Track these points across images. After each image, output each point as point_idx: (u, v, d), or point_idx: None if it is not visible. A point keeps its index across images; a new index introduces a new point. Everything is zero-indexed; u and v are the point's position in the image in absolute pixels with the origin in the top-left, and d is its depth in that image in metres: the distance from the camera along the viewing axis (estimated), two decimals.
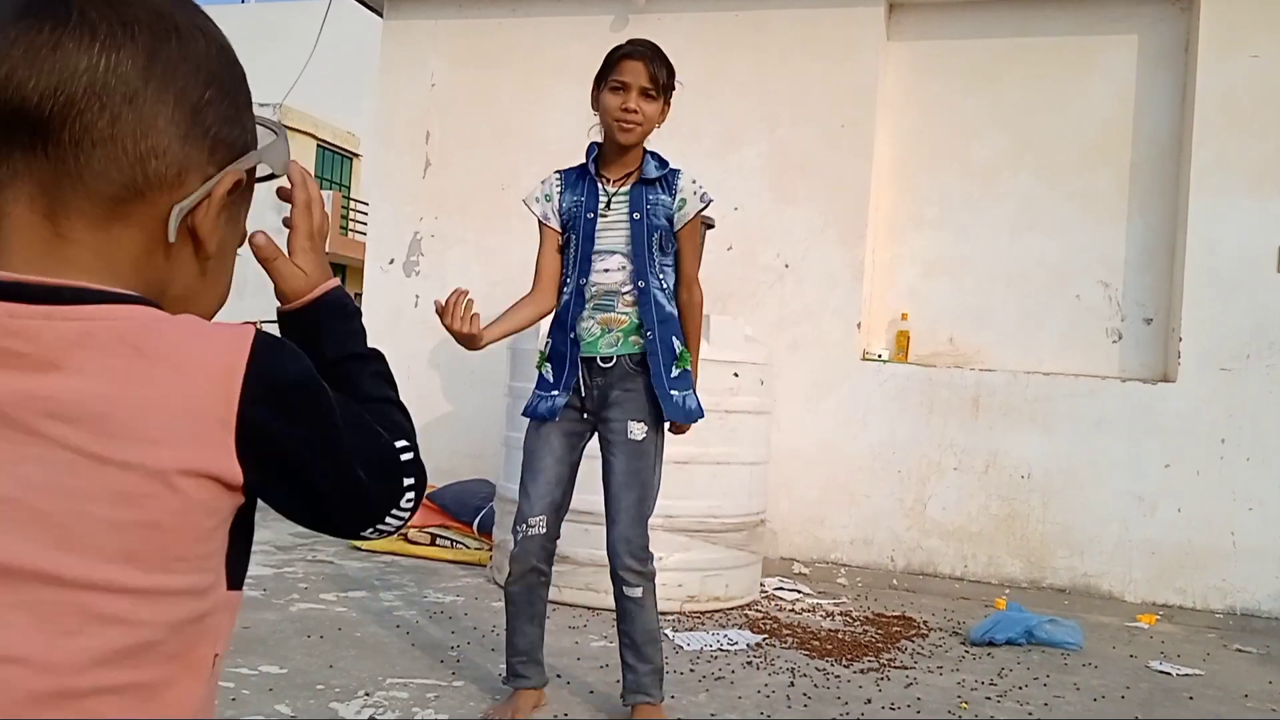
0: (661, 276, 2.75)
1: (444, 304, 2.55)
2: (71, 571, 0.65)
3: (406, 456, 0.84)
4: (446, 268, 6.18)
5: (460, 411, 6.03)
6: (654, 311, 2.71)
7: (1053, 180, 5.44)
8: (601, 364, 2.75)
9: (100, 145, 0.69)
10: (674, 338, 2.73)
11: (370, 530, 0.83)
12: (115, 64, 0.69)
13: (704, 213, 2.80)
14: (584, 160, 2.82)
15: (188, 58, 0.73)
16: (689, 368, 2.77)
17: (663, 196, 2.74)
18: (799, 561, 5.29)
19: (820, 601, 4.57)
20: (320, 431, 0.75)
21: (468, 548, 5.03)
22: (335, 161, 22.21)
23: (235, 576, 0.74)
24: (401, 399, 0.92)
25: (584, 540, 4.11)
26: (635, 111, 2.66)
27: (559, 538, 2.85)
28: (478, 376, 5.95)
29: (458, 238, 6.18)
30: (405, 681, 3.02)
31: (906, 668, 3.57)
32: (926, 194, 5.67)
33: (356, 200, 21.21)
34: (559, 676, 3.17)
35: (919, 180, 5.68)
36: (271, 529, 5.44)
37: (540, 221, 2.85)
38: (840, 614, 4.36)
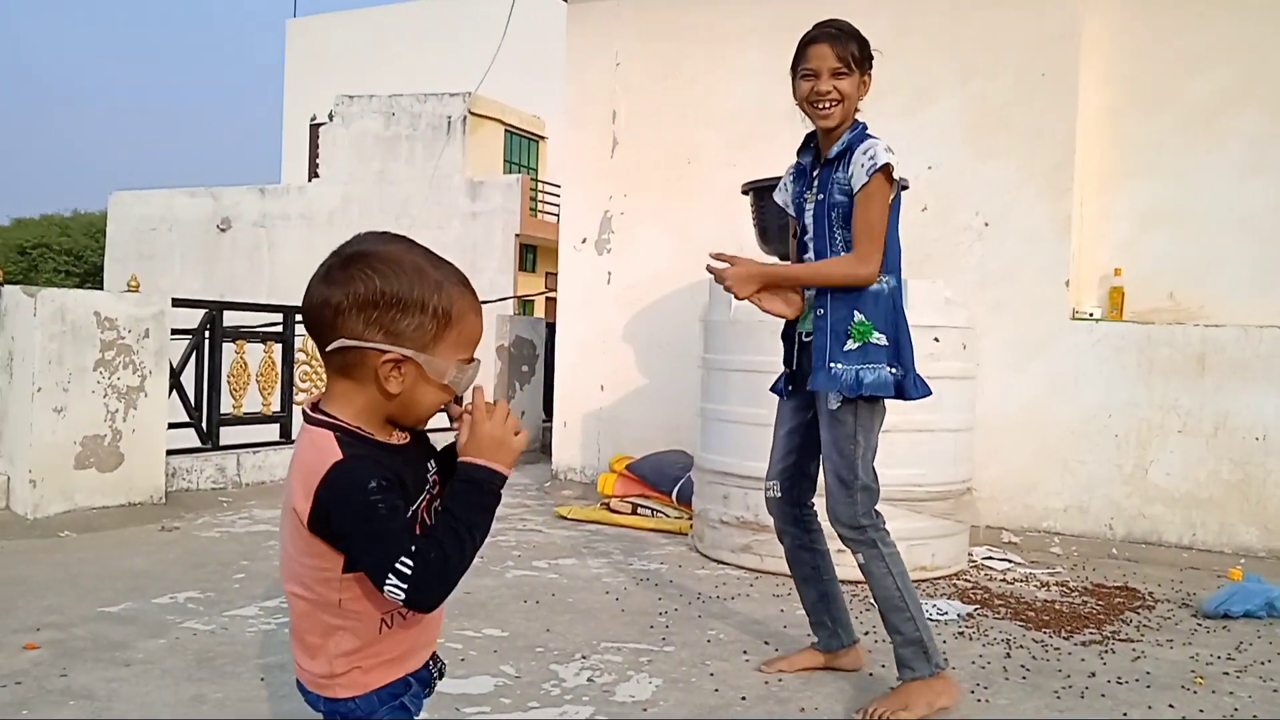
0: (844, 252, 2.72)
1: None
2: (284, 541, 1.36)
3: (399, 570, 1.23)
4: (637, 244, 6.28)
5: (655, 384, 6.13)
6: (828, 290, 2.70)
7: None
8: (804, 339, 2.83)
9: None
10: (854, 310, 2.68)
11: (384, 587, 1.24)
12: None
13: (896, 174, 2.68)
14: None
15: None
16: (873, 340, 2.68)
17: (839, 173, 2.71)
18: (1008, 530, 5.11)
19: (1033, 571, 4.40)
20: (342, 518, 1.25)
21: (668, 517, 5.12)
22: (523, 145, 22.87)
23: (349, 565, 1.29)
24: (463, 548, 1.27)
25: None
26: (828, 92, 2.67)
27: (803, 503, 2.92)
28: (671, 349, 6.03)
29: (647, 214, 6.26)
30: (618, 646, 3.13)
31: (1132, 640, 3.39)
32: (1139, 140, 5.31)
33: (544, 182, 21.78)
34: (766, 644, 3.20)
35: (1129, 126, 5.32)
36: None
37: (784, 210, 2.97)
38: (1056, 584, 4.18)
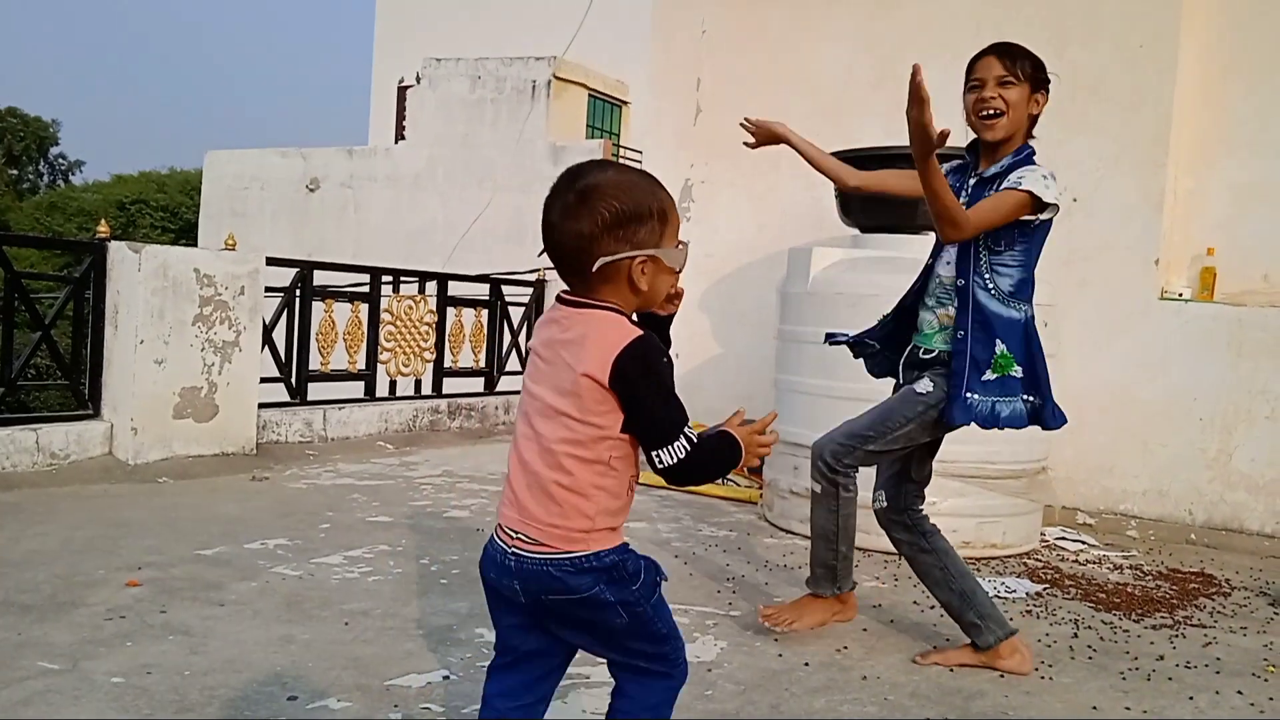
0: (989, 276, 2.65)
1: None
2: (559, 406, 1.54)
3: (686, 435, 1.55)
4: (717, 212, 6.29)
5: (730, 353, 6.17)
6: (970, 313, 2.65)
7: None
8: (924, 355, 2.81)
9: None
10: (998, 341, 2.63)
11: (657, 452, 1.54)
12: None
13: (1048, 197, 2.56)
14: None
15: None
16: (1013, 373, 2.64)
17: (991, 192, 2.64)
18: (1084, 511, 5.05)
19: (1107, 553, 4.35)
20: (646, 387, 1.52)
21: (739, 485, 5.18)
22: (605, 110, 22.86)
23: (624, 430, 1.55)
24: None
25: None
26: (992, 98, 2.62)
27: (909, 509, 2.90)
28: (748, 319, 6.06)
29: (728, 182, 6.27)
30: (685, 608, 3.20)
31: (1205, 626, 3.35)
32: (1240, 114, 5.13)
33: (626, 148, 21.76)
34: None
35: (1231, 99, 5.15)
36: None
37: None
38: (1130, 567, 4.14)
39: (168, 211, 33.80)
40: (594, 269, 1.53)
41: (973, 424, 2.66)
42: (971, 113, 2.68)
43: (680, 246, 1.62)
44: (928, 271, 2.86)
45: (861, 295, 4.18)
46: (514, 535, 1.56)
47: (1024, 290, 2.67)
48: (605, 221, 1.53)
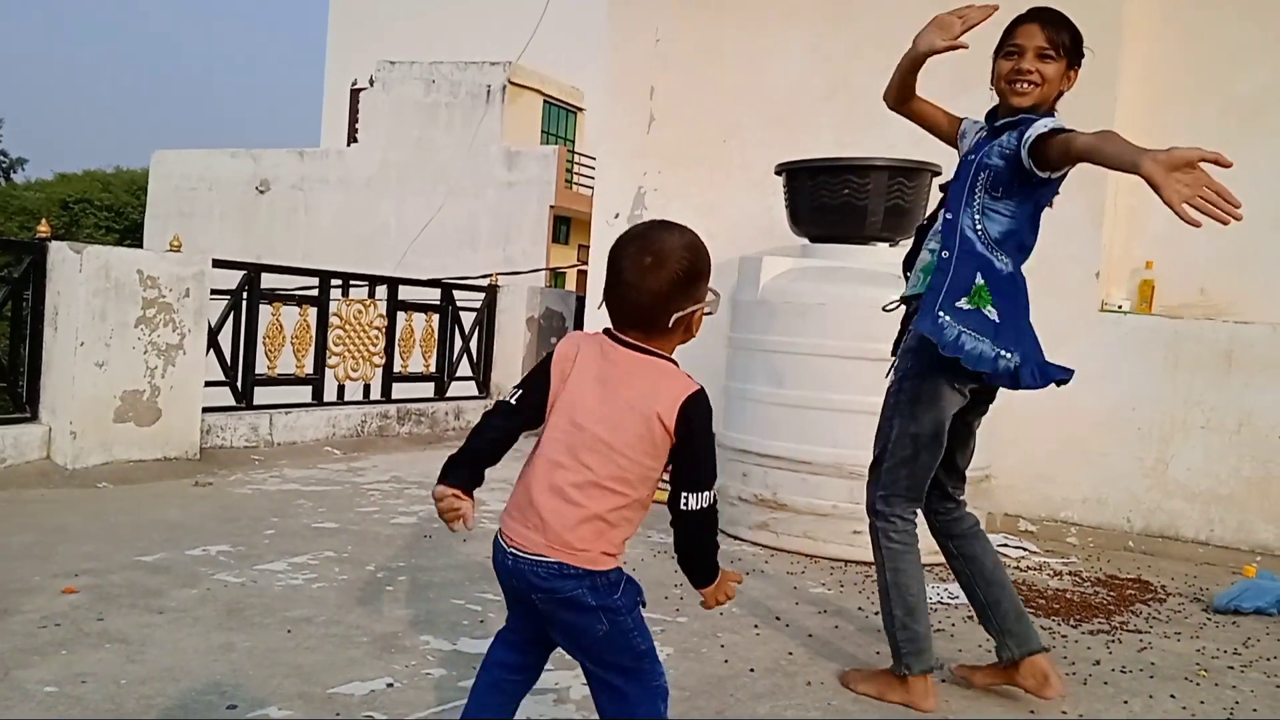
0: (979, 217, 2.53)
1: None
2: (614, 444, 1.69)
3: (714, 490, 1.75)
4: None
5: (682, 360, 6.16)
6: (957, 241, 2.51)
7: None
8: (907, 307, 2.72)
9: None
10: (978, 272, 2.49)
11: (687, 494, 1.71)
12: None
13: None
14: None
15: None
16: (987, 310, 2.48)
17: (1005, 137, 2.53)
18: (1025, 519, 5.14)
19: (1047, 560, 4.44)
20: (702, 434, 1.71)
21: None
22: (560, 116, 22.88)
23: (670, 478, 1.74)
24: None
25: (802, 489, 4.19)
26: (1030, 72, 2.50)
27: (935, 510, 2.76)
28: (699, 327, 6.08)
29: (679, 191, 6.30)
30: None
31: (1140, 631, 3.43)
32: (1180, 132, 5.23)
33: (581, 154, 21.80)
34: (778, 619, 3.28)
35: (1171, 117, 5.28)
36: (509, 469, 5.82)
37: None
38: (1069, 574, 4.22)
39: (113, 211, 33.14)
40: (669, 324, 1.73)
41: (936, 343, 2.47)
42: (1003, 78, 2.54)
43: (716, 296, 1.81)
44: (920, 235, 2.78)
45: (809, 304, 4.23)
46: (518, 546, 1.72)
47: (1009, 243, 2.54)
48: (679, 281, 1.73)
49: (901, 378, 2.63)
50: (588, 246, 6.92)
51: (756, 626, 3.19)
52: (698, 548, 1.77)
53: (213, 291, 5.33)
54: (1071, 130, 2.41)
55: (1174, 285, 5.23)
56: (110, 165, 36.88)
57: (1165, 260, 5.24)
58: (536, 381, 1.78)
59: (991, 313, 2.50)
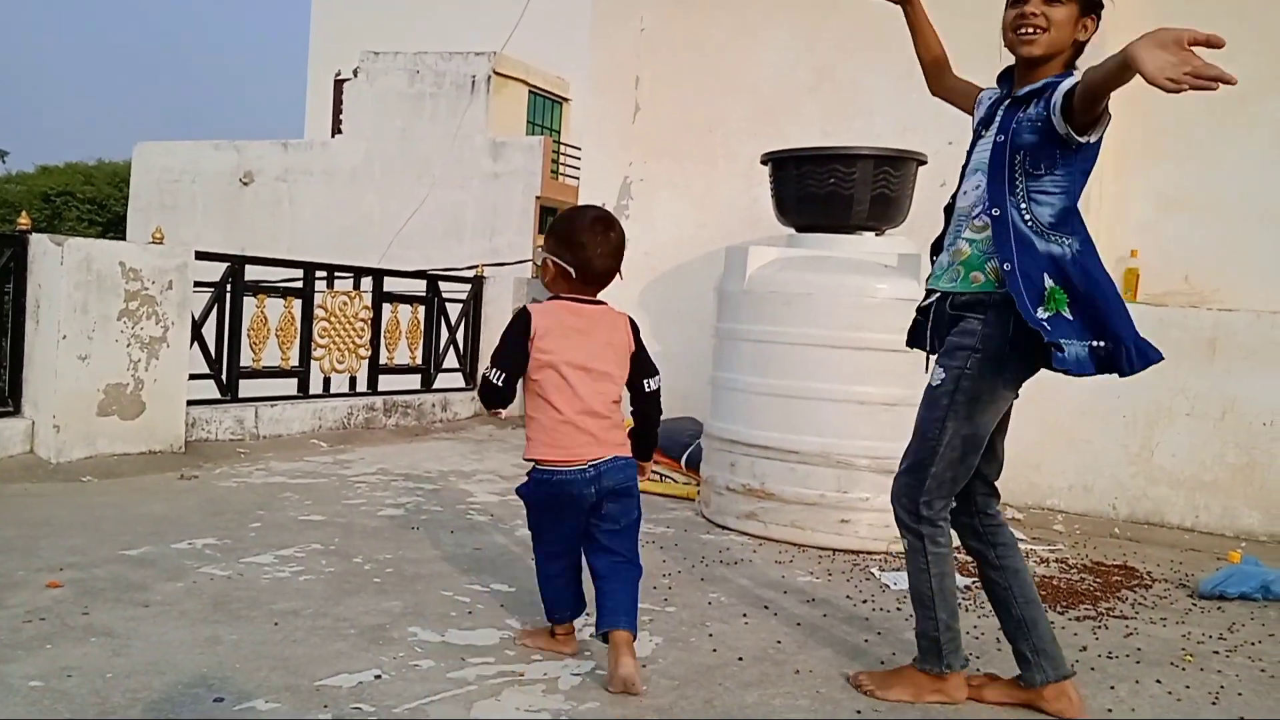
0: (1026, 204, 2.35)
1: None
2: (608, 371, 2.59)
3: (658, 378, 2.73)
4: (655, 211, 6.31)
5: (668, 351, 6.18)
6: (1013, 243, 2.32)
7: None
8: (942, 300, 2.54)
9: None
10: (1044, 274, 2.31)
11: (646, 380, 2.68)
12: None
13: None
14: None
15: None
16: (1063, 311, 2.31)
17: (1033, 109, 2.36)
18: (1012, 506, 5.16)
19: (1034, 547, 4.46)
20: (642, 342, 2.68)
21: (676, 482, 5.20)
22: (545, 106, 22.79)
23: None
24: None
25: (789, 478, 4.19)
26: (1034, 15, 2.35)
27: (982, 511, 2.61)
28: (686, 316, 6.08)
29: (666, 180, 6.29)
30: None
31: (1126, 617, 3.45)
32: (1163, 122, 5.30)
33: (566, 145, 21.74)
34: (766, 608, 3.28)
35: (1154, 107, 5.29)
36: (495, 459, 5.81)
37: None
38: (1056, 561, 4.24)
39: (95, 204, 32.88)
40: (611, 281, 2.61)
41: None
42: (1009, 28, 2.41)
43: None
44: (948, 206, 2.63)
45: (795, 294, 4.23)
46: (591, 460, 2.51)
47: (1067, 221, 2.35)
48: (624, 246, 2.63)
49: (959, 377, 2.44)
50: None
51: (745, 616, 3.19)
52: (650, 424, 2.70)
53: (196, 284, 5.29)
54: None
55: (1158, 273, 5.25)
56: (92, 157, 36.57)
57: (1150, 248, 5.27)
58: (517, 360, 2.54)
59: (1068, 312, 2.33)
